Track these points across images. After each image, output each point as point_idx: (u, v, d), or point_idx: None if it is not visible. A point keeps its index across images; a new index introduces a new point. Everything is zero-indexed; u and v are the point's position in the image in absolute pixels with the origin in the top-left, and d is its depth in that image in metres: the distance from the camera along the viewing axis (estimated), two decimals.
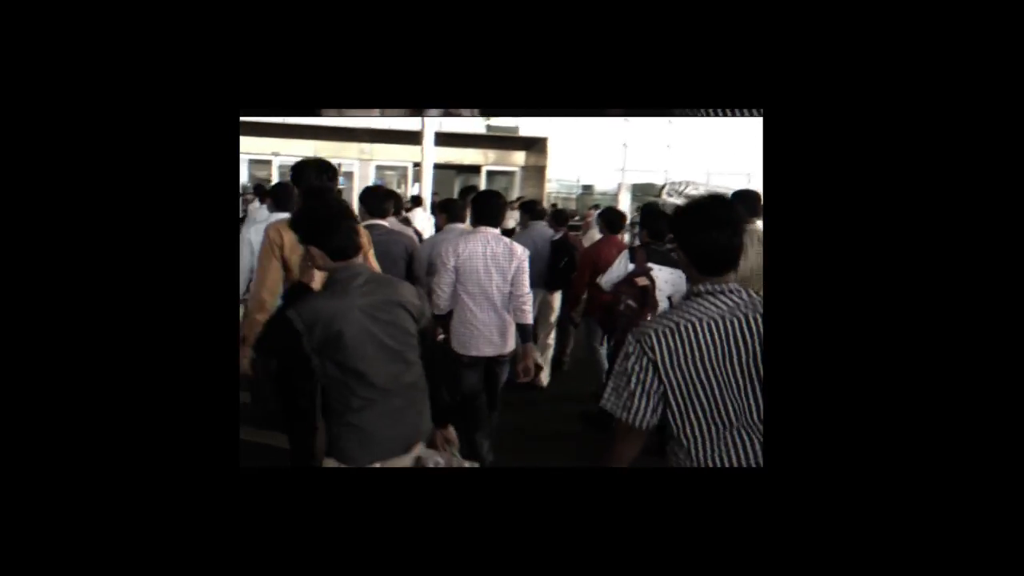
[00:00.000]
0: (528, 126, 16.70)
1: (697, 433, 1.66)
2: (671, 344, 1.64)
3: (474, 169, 17.25)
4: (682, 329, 1.65)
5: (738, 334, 1.65)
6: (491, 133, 16.68)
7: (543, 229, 5.39)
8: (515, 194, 16.37)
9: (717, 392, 1.64)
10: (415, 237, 4.28)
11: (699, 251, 1.70)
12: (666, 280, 3.54)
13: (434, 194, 10.08)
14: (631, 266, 3.70)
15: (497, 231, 3.43)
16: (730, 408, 1.64)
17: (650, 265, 3.58)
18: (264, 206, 6.48)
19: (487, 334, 3.32)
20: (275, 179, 15.83)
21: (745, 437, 1.65)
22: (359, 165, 16.37)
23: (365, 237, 2.91)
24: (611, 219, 5.07)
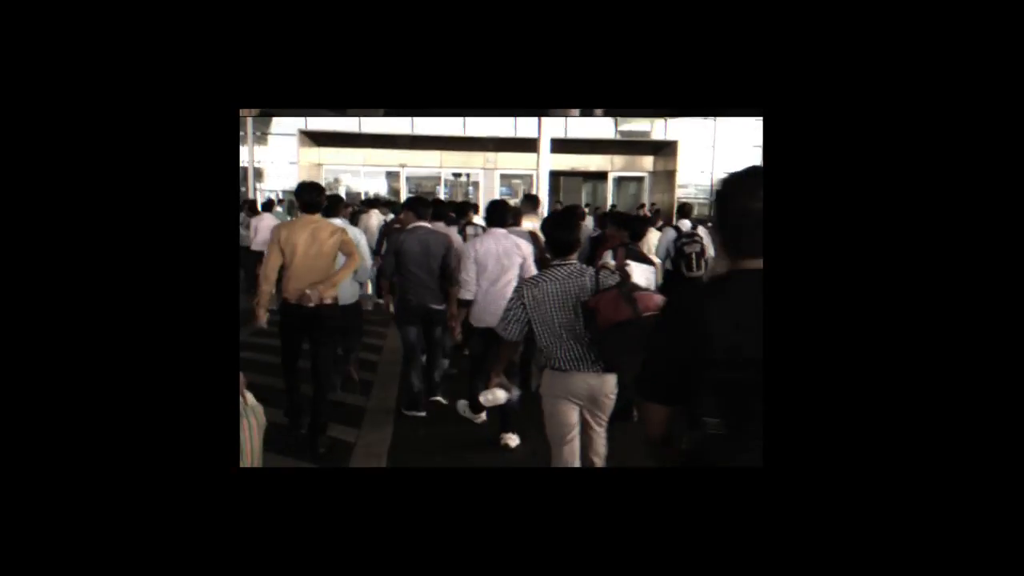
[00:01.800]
0: (659, 129, 16.22)
1: (546, 343, 2.98)
2: (533, 292, 2.97)
3: (601, 175, 16.96)
4: (540, 283, 2.98)
5: (570, 286, 2.95)
6: (619, 138, 16.32)
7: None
8: (644, 199, 15.93)
9: (556, 317, 2.95)
10: (450, 236, 5.17)
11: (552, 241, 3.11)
12: (640, 273, 4.29)
13: (557, 202, 9.93)
14: (612, 262, 4.44)
15: (505, 231, 4.39)
16: (562, 327, 2.94)
17: (627, 262, 4.40)
18: (376, 211, 8.63)
19: (492, 310, 4.03)
20: (404, 190, 16.28)
21: (575, 344, 2.93)
22: (484, 174, 16.50)
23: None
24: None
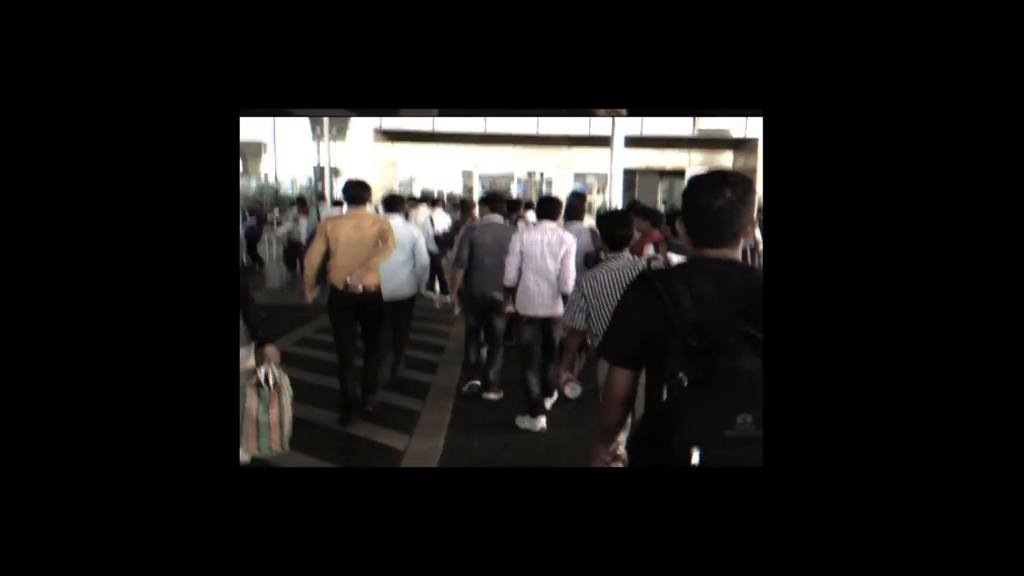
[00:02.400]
0: (739, 127, 15.71)
1: (600, 329, 3.10)
2: (591, 284, 3.18)
3: (678, 173, 16.55)
4: (597, 275, 3.18)
5: (623, 276, 3.14)
6: (699, 136, 15.90)
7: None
8: None
9: (610, 306, 3.03)
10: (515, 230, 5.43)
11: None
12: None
13: (635, 200, 9.72)
14: (656, 254, 4.76)
15: (554, 224, 4.62)
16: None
17: (669, 254, 4.67)
18: (424, 206, 9.06)
19: (539, 300, 4.51)
20: (476, 188, 16.31)
21: None
22: (557, 172, 16.36)
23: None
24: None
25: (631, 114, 10.66)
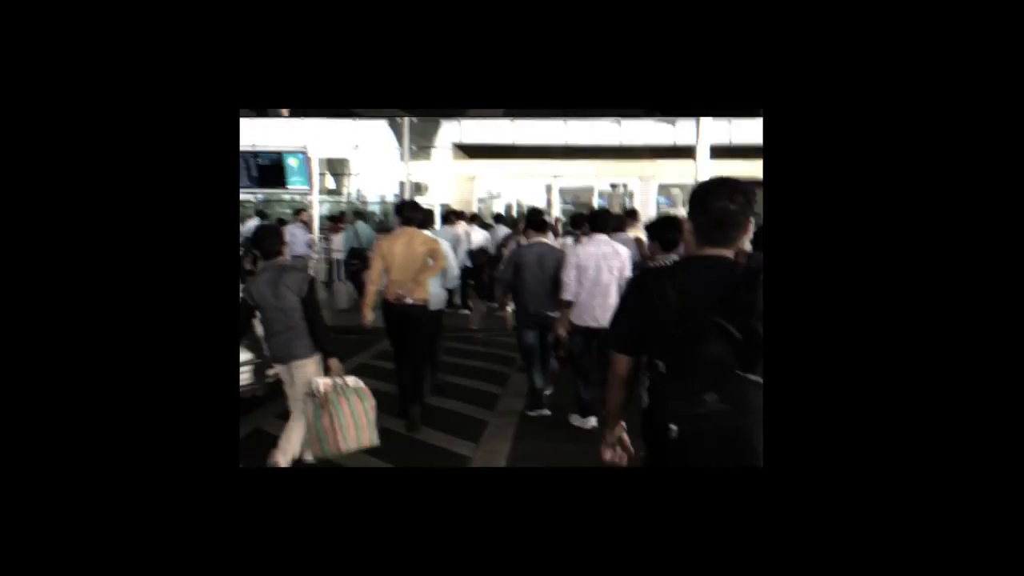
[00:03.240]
0: None
1: None
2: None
3: (759, 183, 15.81)
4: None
5: None
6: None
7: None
8: None
9: None
10: (565, 251, 5.52)
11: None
12: None
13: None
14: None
15: (606, 236, 4.74)
16: None
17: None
18: (463, 223, 9.28)
19: (591, 312, 4.60)
20: (556, 202, 16.06)
21: None
22: (640, 184, 15.91)
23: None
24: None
25: (632, 115, 10.18)
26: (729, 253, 1.87)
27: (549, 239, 5.40)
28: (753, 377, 1.72)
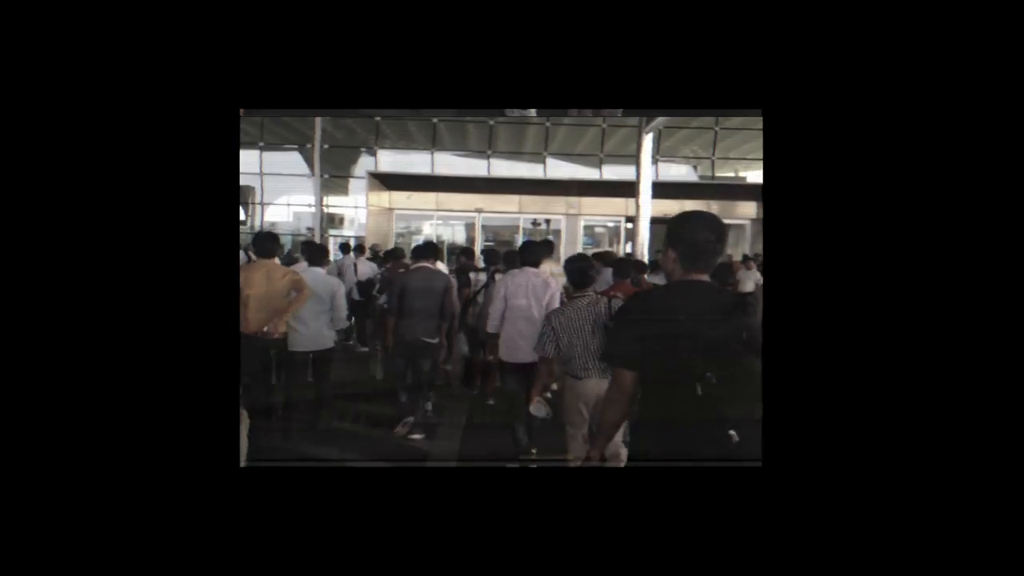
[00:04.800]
0: (756, 174, 14.87)
1: (569, 355, 3.64)
2: (560, 319, 3.69)
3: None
4: (565, 311, 3.79)
5: (589, 312, 3.68)
6: (714, 182, 15.05)
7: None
8: (747, 249, 14.52)
9: (578, 337, 3.63)
10: (451, 276, 5.86)
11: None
12: None
13: (657, 251, 8.88)
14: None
15: (537, 269, 4.73)
16: (583, 345, 3.62)
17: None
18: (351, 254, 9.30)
19: (526, 346, 4.36)
20: (479, 238, 15.44)
21: (590, 359, 3.63)
22: (566, 221, 15.47)
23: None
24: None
25: (631, 114, 10.21)
26: (707, 278, 2.13)
27: (438, 265, 5.55)
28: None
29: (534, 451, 4.44)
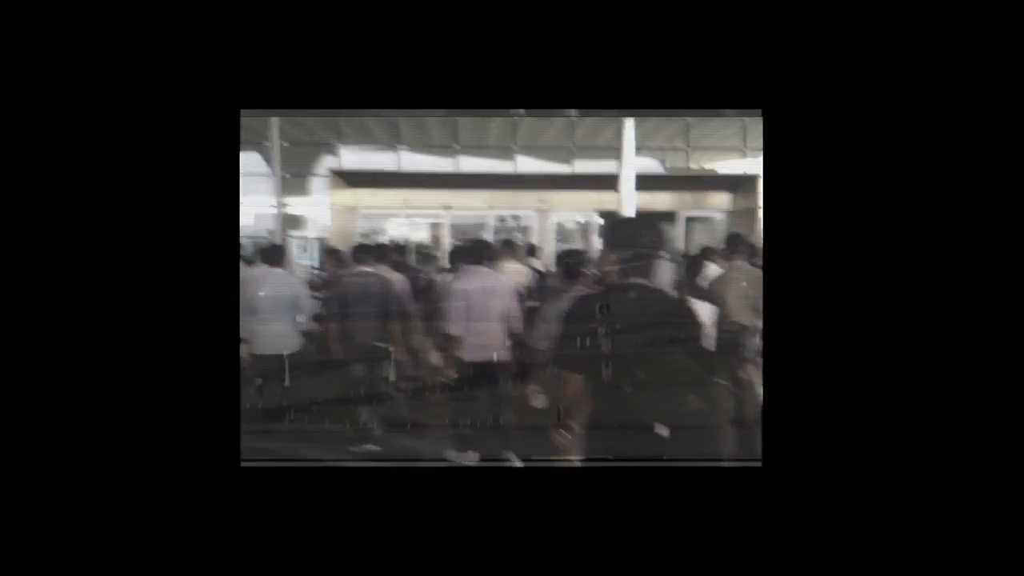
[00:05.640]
0: (728, 164, 14.65)
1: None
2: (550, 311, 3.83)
3: (668, 216, 15.35)
4: (559, 305, 3.84)
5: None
6: (689, 174, 14.81)
7: None
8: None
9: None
10: (391, 279, 5.66)
11: None
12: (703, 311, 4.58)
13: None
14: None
15: (487, 269, 4.77)
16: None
17: (688, 298, 4.63)
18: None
19: (482, 343, 4.53)
20: (447, 237, 15.01)
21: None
22: (538, 217, 15.10)
23: None
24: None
25: (631, 114, 10.10)
26: (646, 281, 2.23)
27: (380, 269, 5.61)
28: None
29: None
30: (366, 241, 6.33)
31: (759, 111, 1.82)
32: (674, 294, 2.72)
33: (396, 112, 13.04)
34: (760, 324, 4.75)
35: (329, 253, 8.14)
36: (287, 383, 5.11)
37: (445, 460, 4.48)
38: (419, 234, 15.85)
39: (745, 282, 5.07)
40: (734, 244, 5.94)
